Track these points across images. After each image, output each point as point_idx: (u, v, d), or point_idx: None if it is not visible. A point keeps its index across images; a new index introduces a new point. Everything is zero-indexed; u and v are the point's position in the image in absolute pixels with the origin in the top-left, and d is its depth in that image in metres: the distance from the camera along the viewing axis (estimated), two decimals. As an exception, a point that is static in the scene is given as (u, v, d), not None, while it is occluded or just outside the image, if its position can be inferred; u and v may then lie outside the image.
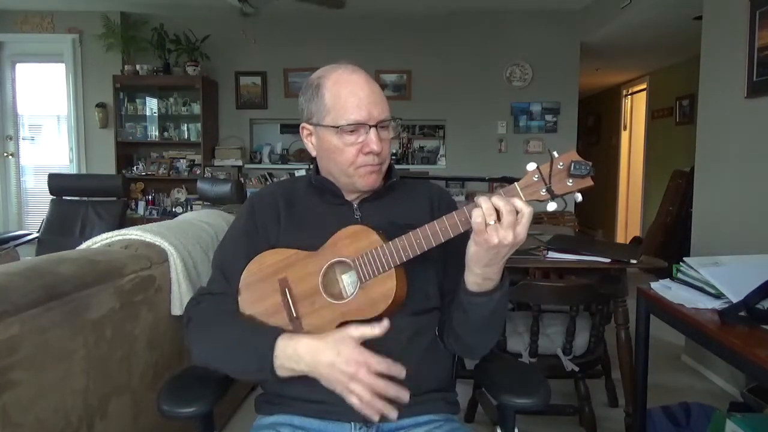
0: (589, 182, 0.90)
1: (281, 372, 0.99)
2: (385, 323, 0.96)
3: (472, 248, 0.95)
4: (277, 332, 1.01)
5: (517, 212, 0.89)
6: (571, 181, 0.89)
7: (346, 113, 1.07)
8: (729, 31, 2.75)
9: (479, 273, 0.98)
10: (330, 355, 0.95)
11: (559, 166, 0.90)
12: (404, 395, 0.95)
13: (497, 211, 0.89)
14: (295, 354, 0.98)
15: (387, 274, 1.01)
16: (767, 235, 2.47)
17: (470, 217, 0.91)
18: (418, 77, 5.41)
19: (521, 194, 0.92)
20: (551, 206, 0.91)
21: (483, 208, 0.89)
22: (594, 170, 0.89)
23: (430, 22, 5.28)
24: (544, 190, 0.91)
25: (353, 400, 0.95)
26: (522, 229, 0.90)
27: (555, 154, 0.91)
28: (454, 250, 1.01)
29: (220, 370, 1.09)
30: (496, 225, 0.89)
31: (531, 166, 0.92)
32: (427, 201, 1.21)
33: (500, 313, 1.06)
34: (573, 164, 0.89)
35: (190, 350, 1.09)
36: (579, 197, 0.91)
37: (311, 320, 1.05)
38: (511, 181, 0.94)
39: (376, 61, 5.27)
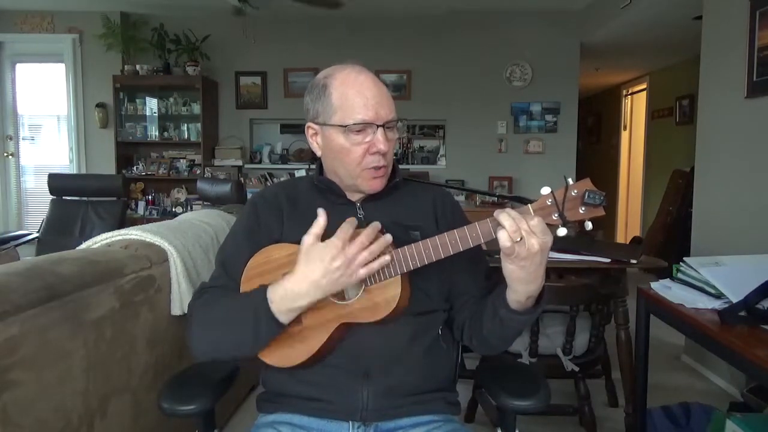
0: (601, 212, 0.91)
1: (282, 316, 0.98)
2: (321, 212, 0.97)
3: (508, 267, 0.96)
4: (263, 287, 1.00)
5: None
6: (583, 209, 0.91)
7: (353, 113, 1.07)
8: (729, 31, 2.74)
9: (522, 291, 0.98)
10: (316, 269, 0.95)
11: (573, 193, 0.91)
12: (387, 236, 0.97)
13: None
14: (287, 292, 0.97)
15: (392, 281, 1.01)
16: (767, 235, 2.47)
17: (494, 234, 0.92)
18: (418, 77, 5.41)
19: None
20: (561, 232, 0.92)
21: (508, 231, 0.90)
22: (606, 200, 0.90)
23: (430, 22, 5.28)
24: (556, 215, 0.92)
25: (362, 273, 0.95)
26: (543, 229, 0.91)
27: (570, 180, 0.92)
28: (461, 253, 1.01)
29: (223, 351, 1.06)
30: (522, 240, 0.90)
31: (545, 190, 0.93)
32: (431, 203, 1.21)
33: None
34: (587, 193, 0.90)
35: (190, 346, 1.07)
36: (590, 225, 0.92)
37: (311, 317, 1.04)
38: (525, 201, 0.94)
39: (376, 61, 5.25)
